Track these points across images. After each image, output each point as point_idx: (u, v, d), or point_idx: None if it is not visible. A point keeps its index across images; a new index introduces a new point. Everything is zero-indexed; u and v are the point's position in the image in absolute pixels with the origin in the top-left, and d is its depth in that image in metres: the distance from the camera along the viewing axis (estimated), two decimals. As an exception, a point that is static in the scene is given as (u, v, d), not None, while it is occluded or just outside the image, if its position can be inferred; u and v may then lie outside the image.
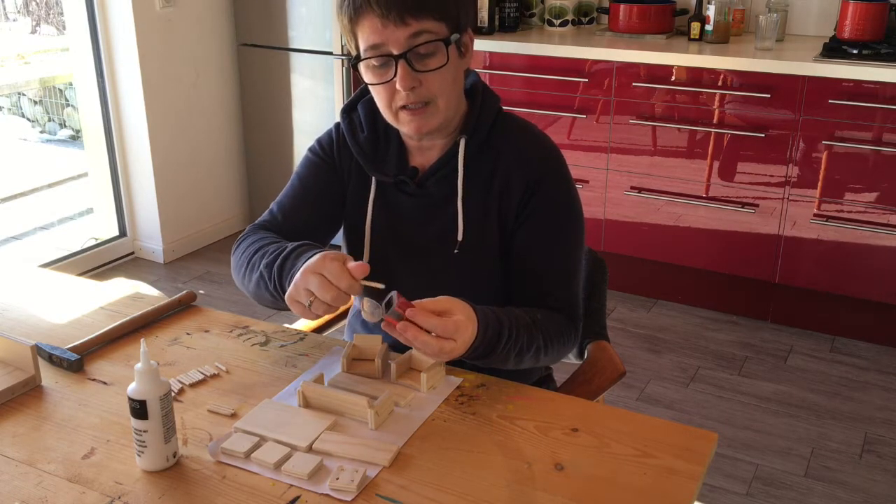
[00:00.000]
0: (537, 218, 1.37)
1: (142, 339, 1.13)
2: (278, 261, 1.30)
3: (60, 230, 4.41)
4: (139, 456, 1.09)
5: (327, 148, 1.48)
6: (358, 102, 1.45)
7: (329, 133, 1.49)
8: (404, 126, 1.34)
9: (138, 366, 1.07)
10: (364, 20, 1.26)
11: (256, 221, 1.49)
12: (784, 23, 3.26)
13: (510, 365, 1.30)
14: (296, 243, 1.32)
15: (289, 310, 1.27)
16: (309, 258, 1.22)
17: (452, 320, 1.15)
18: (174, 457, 1.10)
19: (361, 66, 1.31)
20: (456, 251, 1.39)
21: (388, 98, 1.31)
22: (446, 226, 1.39)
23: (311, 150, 1.50)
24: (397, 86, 1.28)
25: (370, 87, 1.34)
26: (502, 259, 1.41)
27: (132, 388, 1.07)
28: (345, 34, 1.33)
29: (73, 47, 3.67)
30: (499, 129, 1.40)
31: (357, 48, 1.31)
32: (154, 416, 1.07)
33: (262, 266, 1.33)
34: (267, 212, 1.50)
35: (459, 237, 1.38)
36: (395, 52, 1.26)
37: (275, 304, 1.36)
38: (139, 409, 1.07)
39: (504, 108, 1.45)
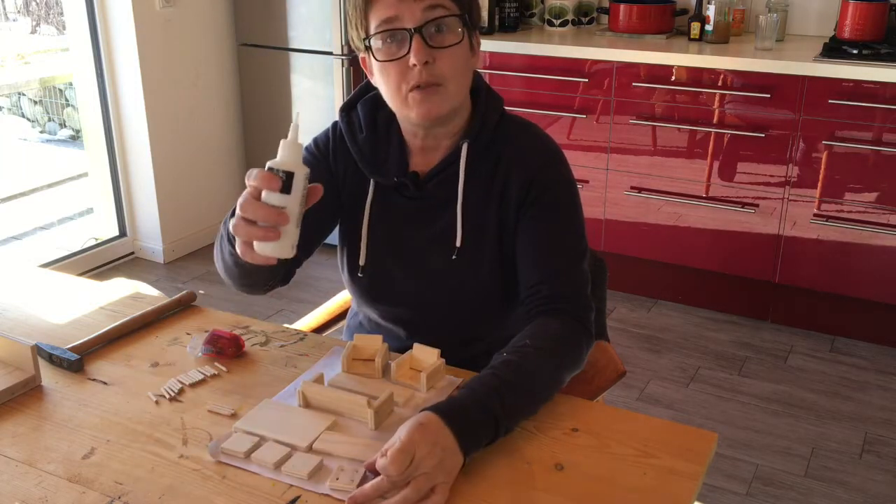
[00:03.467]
0: (538, 213, 1.35)
1: (297, 112, 1.07)
2: (227, 224, 1.25)
3: (60, 230, 4.41)
4: (262, 242, 1.06)
5: (322, 147, 1.45)
6: (358, 101, 1.43)
7: (326, 133, 1.46)
8: (413, 109, 1.30)
9: (286, 141, 1.03)
10: None
11: None
12: (784, 23, 3.26)
13: (538, 404, 1.19)
14: None
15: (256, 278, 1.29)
16: None
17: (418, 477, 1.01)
18: (292, 249, 1.08)
19: (373, 46, 1.28)
20: (454, 257, 1.38)
21: (399, 79, 1.28)
22: (445, 230, 1.38)
23: (306, 148, 1.47)
24: (411, 60, 1.25)
25: (380, 70, 1.31)
26: (501, 263, 1.40)
27: (279, 160, 1.02)
28: (355, 18, 1.30)
29: (73, 47, 3.67)
30: (501, 132, 1.39)
31: (366, 32, 1.29)
32: (296, 193, 1.03)
33: (224, 238, 1.29)
34: None
35: (458, 242, 1.37)
36: (411, 26, 1.24)
37: (247, 277, 1.31)
38: (286, 182, 1.02)
39: (505, 108, 1.44)
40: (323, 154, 1.45)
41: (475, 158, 1.37)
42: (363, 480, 1.05)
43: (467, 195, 1.37)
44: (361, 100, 1.43)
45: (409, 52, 1.25)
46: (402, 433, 1.03)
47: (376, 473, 1.02)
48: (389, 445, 1.02)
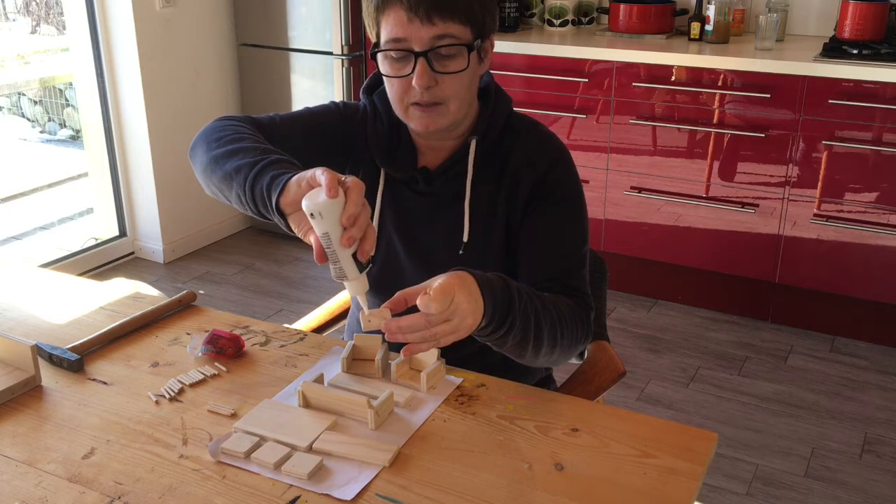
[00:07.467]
0: (545, 211, 1.37)
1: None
2: (259, 165, 1.20)
3: (60, 230, 4.41)
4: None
5: (351, 114, 1.45)
6: (377, 87, 1.43)
7: (357, 106, 1.47)
8: (413, 121, 1.34)
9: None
10: (390, 11, 1.26)
11: (254, 116, 1.43)
12: (784, 23, 3.26)
13: (530, 342, 1.20)
14: (282, 156, 1.23)
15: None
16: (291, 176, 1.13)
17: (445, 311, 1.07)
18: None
19: (379, 56, 1.31)
20: (461, 252, 1.39)
21: (401, 92, 1.31)
22: (452, 226, 1.40)
23: (333, 103, 1.47)
24: (413, 82, 1.27)
25: (385, 79, 1.34)
26: (508, 260, 1.41)
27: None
28: (367, 19, 1.32)
29: (73, 47, 3.67)
30: (509, 131, 1.40)
31: (378, 36, 1.31)
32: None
33: (241, 161, 1.24)
34: (267, 116, 1.45)
35: (465, 238, 1.39)
36: (417, 50, 1.26)
37: (233, 202, 1.29)
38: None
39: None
40: (349, 117, 1.45)
41: (484, 155, 1.39)
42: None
43: (475, 191, 1.39)
44: (377, 91, 1.44)
45: (412, 73, 1.27)
46: (439, 279, 1.07)
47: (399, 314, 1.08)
48: (427, 286, 1.06)
